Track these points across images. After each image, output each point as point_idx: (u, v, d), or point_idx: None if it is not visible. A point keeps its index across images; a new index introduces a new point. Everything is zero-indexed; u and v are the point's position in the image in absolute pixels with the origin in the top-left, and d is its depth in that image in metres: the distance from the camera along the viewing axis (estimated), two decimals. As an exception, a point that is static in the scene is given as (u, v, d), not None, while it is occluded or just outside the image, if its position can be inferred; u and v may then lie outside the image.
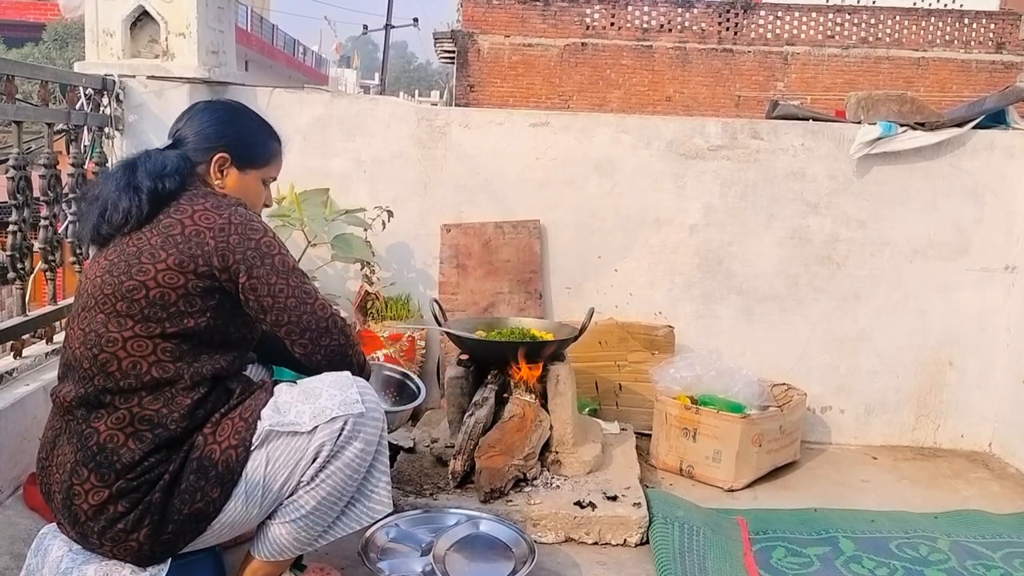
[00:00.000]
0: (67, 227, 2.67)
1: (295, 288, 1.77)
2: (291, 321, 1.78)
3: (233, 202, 1.79)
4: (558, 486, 2.64)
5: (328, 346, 1.83)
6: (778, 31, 16.01)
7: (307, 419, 1.73)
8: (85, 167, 2.80)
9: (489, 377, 2.82)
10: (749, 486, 2.99)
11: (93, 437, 1.66)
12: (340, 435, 1.74)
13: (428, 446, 2.86)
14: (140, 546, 1.67)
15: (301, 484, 1.75)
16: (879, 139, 3.27)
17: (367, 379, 1.92)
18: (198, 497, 1.67)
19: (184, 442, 1.69)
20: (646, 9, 16.01)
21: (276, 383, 1.87)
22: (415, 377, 2.40)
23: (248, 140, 1.93)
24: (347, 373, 1.84)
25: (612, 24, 15.99)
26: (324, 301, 1.83)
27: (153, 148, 1.86)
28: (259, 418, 1.73)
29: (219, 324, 1.74)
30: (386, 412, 2.05)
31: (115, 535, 1.65)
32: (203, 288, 1.70)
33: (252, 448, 1.71)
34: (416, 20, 29.07)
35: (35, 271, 2.51)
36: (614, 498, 2.58)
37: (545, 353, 2.82)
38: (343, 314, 3.27)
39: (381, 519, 1.96)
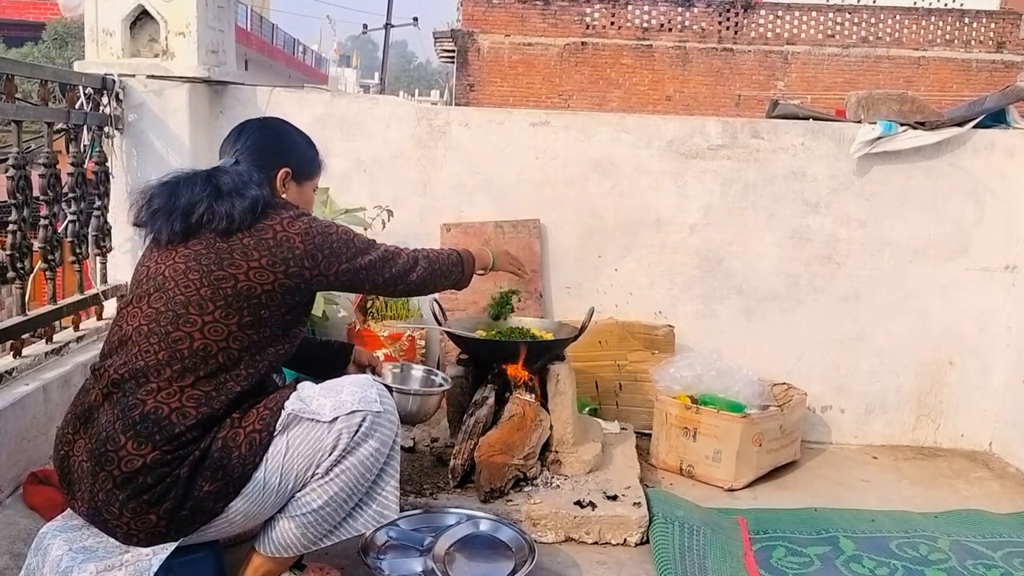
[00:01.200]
0: (67, 226, 2.67)
1: (374, 259, 2.00)
2: (383, 281, 2.03)
3: (305, 211, 2.00)
4: (558, 486, 2.64)
5: (416, 280, 2.10)
6: (778, 30, 16.01)
7: (328, 411, 1.82)
8: (85, 166, 2.79)
9: (489, 377, 2.82)
10: (749, 486, 2.99)
11: (138, 408, 1.72)
12: (358, 430, 1.81)
13: (428, 446, 2.87)
14: (157, 521, 1.71)
15: (315, 476, 1.80)
16: (879, 138, 3.27)
17: (472, 267, 2.27)
18: (220, 476, 1.73)
19: (218, 423, 1.77)
20: (646, 8, 16.01)
21: (297, 381, 1.96)
22: (438, 371, 2.55)
23: (303, 156, 2.10)
24: (368, 376, 2.02)
25: (612, 24, 15.99)
26: (392, 250, 2.06)
27: (222, 165, 1.96)
28: (283, 408, 1.82)
29: (287, 317, 1.90)
30: (418, 393, 2.31)
31: (138, 506, 1.69)
32: (288, 286, 1.86)
33: (275, 434, 1.79)
34: (416, 19, 29.03)
35: (35, 271, 2.51)
36: (614, 498, 2.58)
37: (545, 353, 2.82)
38: (341, 314, 3.33)
39: (382, 521, 1.99)
